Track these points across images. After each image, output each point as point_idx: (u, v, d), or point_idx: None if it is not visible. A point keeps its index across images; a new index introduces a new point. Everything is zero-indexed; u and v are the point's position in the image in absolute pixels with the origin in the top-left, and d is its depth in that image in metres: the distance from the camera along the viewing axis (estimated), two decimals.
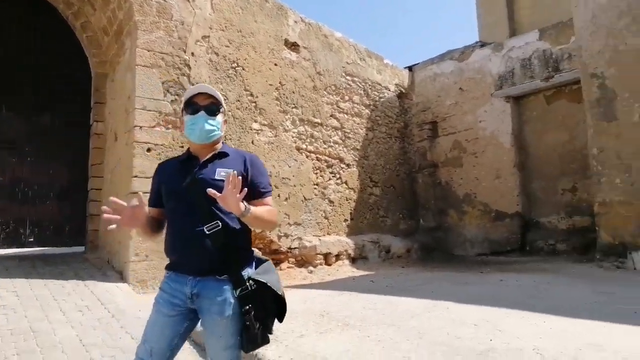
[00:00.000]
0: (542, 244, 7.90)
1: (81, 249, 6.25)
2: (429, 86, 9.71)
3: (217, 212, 1.76)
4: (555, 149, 8.11)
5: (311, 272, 6.53)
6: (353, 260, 7.39)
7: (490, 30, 9.28)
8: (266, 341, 1.80)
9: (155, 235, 1.96)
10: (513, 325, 3.19)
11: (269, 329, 1.80)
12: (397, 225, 8.94)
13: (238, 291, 1.74)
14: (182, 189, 1.81)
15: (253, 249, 1.97)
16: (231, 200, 1.63)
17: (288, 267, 6.51)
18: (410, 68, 10.08)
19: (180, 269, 1.81)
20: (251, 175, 1.85)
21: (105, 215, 1.73)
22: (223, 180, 1.71)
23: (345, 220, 7.79)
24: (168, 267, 1.88)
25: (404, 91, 9.69)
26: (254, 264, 1.87)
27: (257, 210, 1.73)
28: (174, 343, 1.82)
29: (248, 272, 1.80)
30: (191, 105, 1.88)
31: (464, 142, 9.12)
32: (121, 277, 4.95)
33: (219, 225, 1.75)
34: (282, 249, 6.50)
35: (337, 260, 7.08)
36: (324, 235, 7.20)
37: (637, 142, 5.81)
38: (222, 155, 1.89)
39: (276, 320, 1.85)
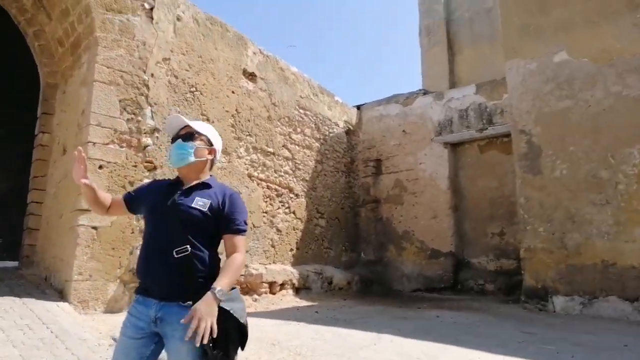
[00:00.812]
0: (473, 283, 8.47)
1: (15, 263, 5.87)
2: (375, 125, 10.24)
3: (189, 237, 1.83)
4: (486, 194, 8.83)
5: (256, 300, 6.56)
6: (297, 291, 7.50)
7: (433, 81, 10.06)
8: None
9: (99, 208, 2.07)
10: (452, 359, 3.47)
11: (230, 357, 1.80)
12: (339, 257, 9.19)
13: None
14: (161, 209, 1.90)
15: None
16: (206, 323, 1.66)
17: None
18: (358, 107, 10.60)
19: (147, 293, 1.85)
20: (227, 209, 1.91)
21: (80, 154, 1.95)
22: (199, 210, 1.85)
23: (292, 249, 7.92)
24: (137, 291, 1.92)
25: (352, 128, 10.15)
26: None
27: (225, 282, 1.75)
28: None
29: None
30: (174, 137, 2.03)
31: (405, 181, 9.65)
32: (61, 295, 4.72)
33: (187, 250, 1.80)
34: None
35: (281, 289, 7.15)
36: (269, 263, 7.27)
37: (558, 196, 6.52)
38: (205, 185, 1.99)
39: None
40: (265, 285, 6.92)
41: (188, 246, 1.80)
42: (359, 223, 9.95)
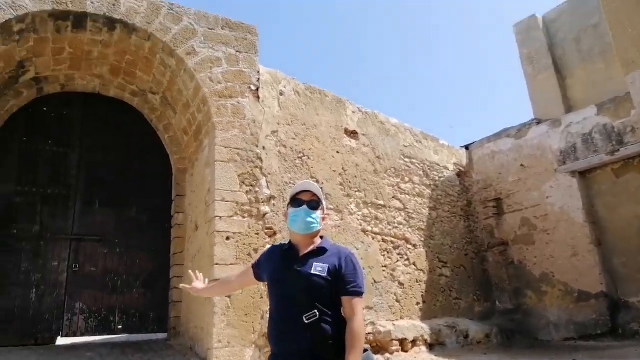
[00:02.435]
0: (637, 326, 7.24)
1: (164, 335, 6.46)
2: (488, 164, 9.74)
3: (316, 303, 1.88)
4: (632, 223, 7.72)
5: (388, 359, 6.30)
6: (430, 347, 7.07)
7: (544, 108, 9.42)
8: None
9: (227, 292, 2.27)
10: None
11: None
12: (471, 307, 8.56)
13: None
14: (283, 280, 1.98)
15: None
16: None
17: None
18: (467, 147, 10.24)
19: (282, 358, 1.91)
20: (344, 271, 1.96)
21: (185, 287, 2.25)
22: (319, 275, 1.91)
23: (418, 303, 7.59)
24: (272, 357, 1.98)
25: (463, 170, 9.77)
26: None
27: (354, 358, 1.80)
28: None
29: None
30: (296, 201, 2.09)
31: (532, 218, 8.88)
32: None
33: (316, 315, 1.85)
34: None
35: (413, 346, 6.80)
36: (396, 319, 7.02)
37: None
38: (321, 250, 2.04)
39: None
40: (396, 342, 6.64)
41: (316, 311, 1.86)
42: (487, 269, 9.27)
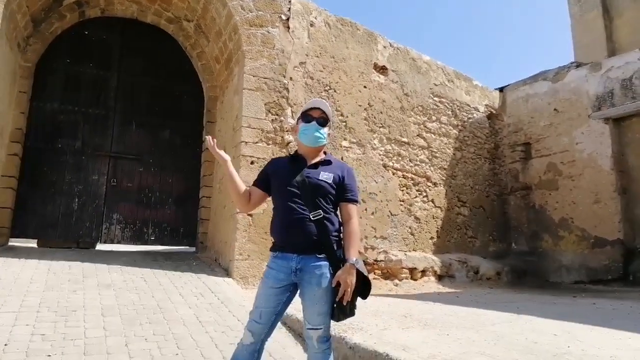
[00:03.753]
0: None
1: (192, 248, 7.11)
2: (521, 107, 9.55)
3: (320, 203, 2.20)
4: None
5: (397, 285, 6.74)
6: (439, 278, 7.45)
7: (588, 51, 8.99)
8: (353, 313, 2.20)
9: (242, 201, 2.39)
10: (594, 338, 3.20)
11: (354, 305, 2.18)
12: (486, 246, 8.82)
13: (333, 268, 2.15)
14: (293, 184, 2.25)
15: None
16: (351, 287, 2.12)
17: (374, 279, 6.77)
18: (501, 89, 10.01)
19: (286, 249, 2.23)
20: (345, 181, 2.28)
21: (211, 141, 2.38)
22: (325, 181, 2.22)
23: (432, 238, 7.90)
24: (273, 249, 2.31)
25: (494, 112, 9.64)
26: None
27: (353, 252, 2.16)
28: (278, 309, 2.23)
29: (340, 254, 2.20)
30: (306, 116, 2.36)
31: (559, 164, 8.81)
32: (227, 273, 5.60)
33: (320, 214, 2.18)
34: (368, 260, 6.80)
35: (422, 276, 7.21)
36: (409, 250, 7.39)
37: None
38: (326, 162, 2.33)
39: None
40: (406, 271, 7.04)
41: (321, 211, 2.19)
42: (507, 211, 9.39)
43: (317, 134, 2.31)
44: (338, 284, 2.11)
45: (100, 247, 6.74)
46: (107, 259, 5.59)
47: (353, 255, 2.13)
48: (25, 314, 3.50)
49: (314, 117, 2.33)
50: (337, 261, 2.17)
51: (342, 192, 2.26)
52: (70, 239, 6.48)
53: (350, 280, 2.09)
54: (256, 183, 2.42)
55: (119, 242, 6.76)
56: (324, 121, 2.34)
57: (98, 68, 7.02)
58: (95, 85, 6.95)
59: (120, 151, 6.89)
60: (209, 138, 2.44)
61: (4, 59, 5.68)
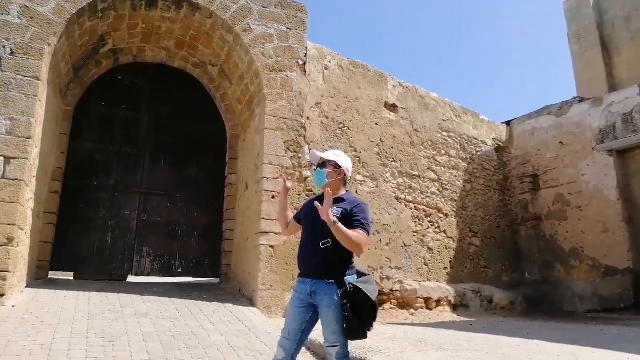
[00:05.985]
0: None
1: (216, 280, 7.47)
2: (527, 140, 9.93)
3: (330, 234, 2.54)
4: None
5: (412, 314, 6.98)
6: (454, 307, 7.68)
7: (588, 86, 9.42)
8: (364, 335, 2.51)
9: (282, 221, 3.01)
10: (594, 358, 3.46)
11: (366, 326, 2.49)
12: (499, 276, 9.03)
13: (341, 291, 2.49)
14: (310, 218, 2.69)
15: (355, 265, 2.69)
16: (325, 209, 2.48)
17: (390, 308, 7.04)
18: (508, 123, 10.42)
19: (304, 275, 2.66)
20: (354, 212, 2.62)
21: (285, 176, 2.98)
22: (334, 215, 2.56)
23: (445, 268, 8.17)
24: (298, 275, 2.73)
25: (502, 145, 10.02)
26: (355, 274, 2.61)
27: (343, 226, 2.49)
28: (302, 327, 2.60)
29: (349, 279, 2.54)
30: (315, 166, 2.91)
31: (567, 195, 9.10)
32: (251, 302, 5.93)
33: (329, 242, 2.56)
34: (384, 290, 7.08)
35: (437, 305, 7.44)
36: (423, 280, 7.65)
37: None
38: (340, 199, 2.73)
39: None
40: (421, 300, 7.29)
41: (329, 240, 2.56)
42: (518, 241, 9.64)
43: (318, 176, 2.81)
44: (345, 304, 2.43)
45: (131, 279, 7.14)
46: (140, 290, 5.98)
47: (338, 222, 2.48)
48: (76, 339, 3.87)
49: (317, 165, 2.87)
50: (344, 285, 2.50)
51: (350, 221, 2.57)
52: (104, 271, 6.90)
53: (322, 207, 2.48)
54: (294, 216, 2.97)
55: (148, 275, 7.16)
56: (323, 164, 2.82)
57: (130, 110, 7.59)
58: (127, 126, 7.51)
59: (150, 187, 7.38)
60: (284, 176, 3.02)
61: (49, 104, 6.25)
